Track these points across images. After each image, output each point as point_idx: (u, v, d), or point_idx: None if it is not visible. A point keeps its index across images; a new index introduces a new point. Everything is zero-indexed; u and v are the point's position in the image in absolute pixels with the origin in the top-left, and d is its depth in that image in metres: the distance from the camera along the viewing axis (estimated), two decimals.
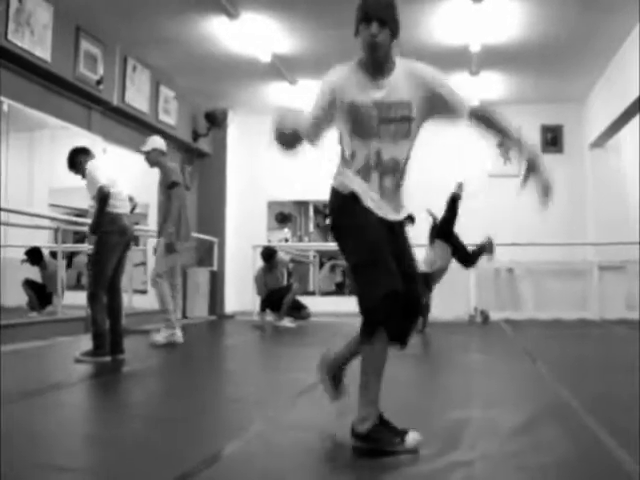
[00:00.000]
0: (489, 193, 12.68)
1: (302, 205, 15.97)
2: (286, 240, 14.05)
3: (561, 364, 5.98)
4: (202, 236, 12.00)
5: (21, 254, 10.71)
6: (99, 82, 8.90)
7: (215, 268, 12.49)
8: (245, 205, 13.55)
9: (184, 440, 3.19)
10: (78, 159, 6.21)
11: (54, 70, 8.05)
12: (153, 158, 7.51)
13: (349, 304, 11.67)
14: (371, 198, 3.12)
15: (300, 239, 15.70)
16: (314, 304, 11.40)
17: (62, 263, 10.20)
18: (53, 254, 10.74)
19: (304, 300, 10.99)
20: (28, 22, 7.40)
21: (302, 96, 12.01)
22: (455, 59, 10.20)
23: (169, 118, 11.08)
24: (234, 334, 9.69)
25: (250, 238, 12.78)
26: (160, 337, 7.18)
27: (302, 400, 4.22)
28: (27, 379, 5.14)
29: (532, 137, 12.82)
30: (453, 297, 11.62)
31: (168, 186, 7.34)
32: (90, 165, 6.09)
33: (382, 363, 3.11)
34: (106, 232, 5.98)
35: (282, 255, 11.11)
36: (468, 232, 11.75)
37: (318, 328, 10.23)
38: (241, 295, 12.54)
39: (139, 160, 11.07)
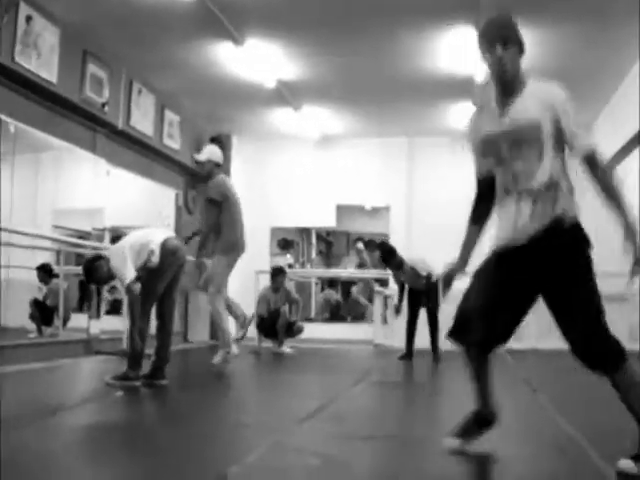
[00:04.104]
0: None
1: (304, 232, 16.02)
2: (290, 266, 14.03)
3: (562, 395, 5.95)
4: (205, 260, 11.97)
5: (23, 274, 10.72)
6: (104, 105, 8.94)
7: None
8: (248, 230, 13.50)
9: (186, 465, 3.16)
10: (94, 268, 5.86)
11: (60, 92, 8.08)
12: (208, 169, 7.57)
13: (347, 330, 11.56)
14: None
15: (303, 265, 15.72)
16: (313, 331, 11.36)
17: (63, 284, 10.20)
18: (55, 275, 10.74)
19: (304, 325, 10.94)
20: (35, 44, 7.44)
21: (306, 122, 12.08)
22: (460, 88, 10.25)
23: (173, 142, 11.11)
24: (235, 359, 9.64)
25: (253, 263, 12.76)
26: (217, 358, 7.37)
27: (305, 425, 4.19)
28: (26, 401, 5.11)
29: None
30: None
31: (208, 200, 7.55)
32: (112, 260, 5.74)
33: None
34: (160, 258, 5.78)
35: (293, 290, 11.04)
36: (475, 261, 11.77)
37: (317, 354, 10.22)
38: None
39: (142, 183, 11.16)
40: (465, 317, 3.31)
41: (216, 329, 7.47)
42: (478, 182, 3.48)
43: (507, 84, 3.20)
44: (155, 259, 5.75)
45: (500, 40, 3.14)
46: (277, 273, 10.56)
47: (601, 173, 3.15)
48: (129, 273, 5.63)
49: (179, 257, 5.99)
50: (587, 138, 3.17)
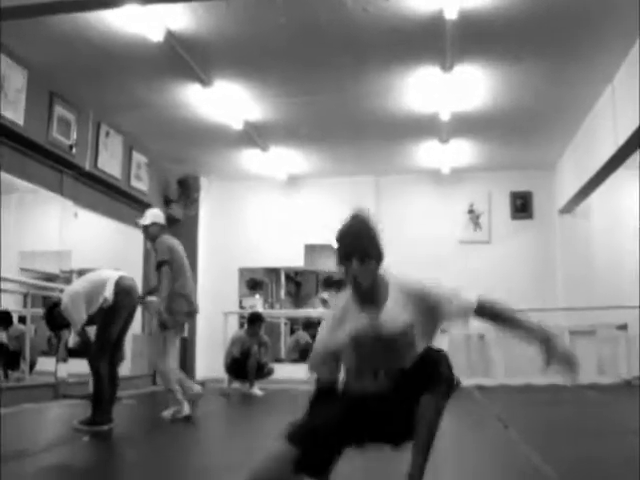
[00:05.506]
0: (459, 259, 12.78)
1: (273, 272, 15.98)
2: (269, 305, 13.95)
3: (533, 429, 5.96)
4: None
5: None
6: (72, 147, 8.91)
7: (186, 335, 12.35)
8: (216, 271, 13.51)
9: None
10: (52, 315, 5.94)
11: (27, 134, 8.06)
12: (153, 232, 7.09)
13: None
14: None
15: (272, 306, 15.66)
16: (283, 371, 11.29)
17: (31, 328, 10.07)
18: (22, 319, 10.60)
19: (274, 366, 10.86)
20: (2, 85, 7.43)
21: (274, 162, 12.14)
22: (425, 127, 10.37)
23: (141, 184, 11.09)
24: (203, 402, 9.54)
25: (221, 305, 12.72)
26: (167, 413, 6.78)
27: None
28: None
29: (502, 203, 13.01)
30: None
31: (156, 266, 7.01)
32: (63, 301, 5.79)
33: None
34: (114, 297, 5.79)
35: (266, 337, 10.85)
36: None
37: (286, 395, 10.13)
38: (212, 362, 12.39)
39: (109, 225, 11.11)
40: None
41: (166, 390, 7.04)
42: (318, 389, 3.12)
43: (366, 294, 3.03)
44: (109, 296, 5.73)
45: (357, 255, 2.95)
46: (255, 319, 10.40)
47: (500, 310, 3.18)
48: (79, 317, 5.69)
49: (133, 297, 5.98)
50: (464, 299, 3.06)
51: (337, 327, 3.07)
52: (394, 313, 3.00)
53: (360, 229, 3.05)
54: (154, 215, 7.22)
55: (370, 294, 3.02)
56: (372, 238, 3.02)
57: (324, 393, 3.07)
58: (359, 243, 2.98)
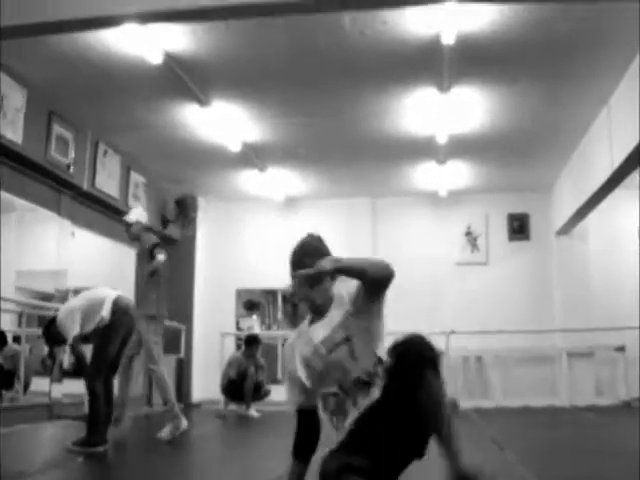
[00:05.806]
0: (456, 281, 12.78)
1: (270, 293, 15.94)
2: (266, 326, 13.90)
3: (530, 451, 5.92)
4: (169, 323, 11.86)
5: None
6: (69, 166, 8.92)
7: (182, 355, 12.33)
8: (213, 292, 13.49)
9: None
10: (50, 331, 5.92)
11: (25, 153, 8.06)
12: (136, 231, 6.93)
13: None
14: None
15: (269, 327, 15.62)
16: (280, 393, 11.22)
17: (25, 347, 10.03)
18: (16, 338, 10.56)
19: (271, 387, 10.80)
20: (1, 105, 7.45)
21: (271, 183, 12.15)
22: (423, 149, 10.40)
23: (138, 204, 11.08)
24: (199, 423, 9.49)
25: (218, 325, 12.69)
26: (165, 433, 6.59)
27: None
28: None
29: (499, 225, 13.03)
30: None
31: (150, 249, 6.75)
32: (59, 316, 5.81)
33: None
34: (112, 316, 5.78)
35: (263, 359, 10.73)
36: (437, 320, 11.79)
37: (283, 417, 10.08)
38: (208, 383, 12.35)
39: (105, 244, 11.09)
40: None
41: (164, 401, 6.72)
42: (298, 414, 3.35)
43: (317, 308, 3.12)
44: (106, 315, 5.72)
45: (306, 265, 3.05)
46: (253, 341, 10.35)
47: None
48: (73, 329, 5.67)
49: (130, 316, 5.96)
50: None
51: (292, 352, 3.19)
52: (330, 322, 3.06)
53: (307, 243, 3.20)
54: (139, 214, 7.14)
55: (319, 307, 3.11)
56: (319, 249, 3.14)
57: (306, 418, 3.34)
58: (307, 254, 3.11)
